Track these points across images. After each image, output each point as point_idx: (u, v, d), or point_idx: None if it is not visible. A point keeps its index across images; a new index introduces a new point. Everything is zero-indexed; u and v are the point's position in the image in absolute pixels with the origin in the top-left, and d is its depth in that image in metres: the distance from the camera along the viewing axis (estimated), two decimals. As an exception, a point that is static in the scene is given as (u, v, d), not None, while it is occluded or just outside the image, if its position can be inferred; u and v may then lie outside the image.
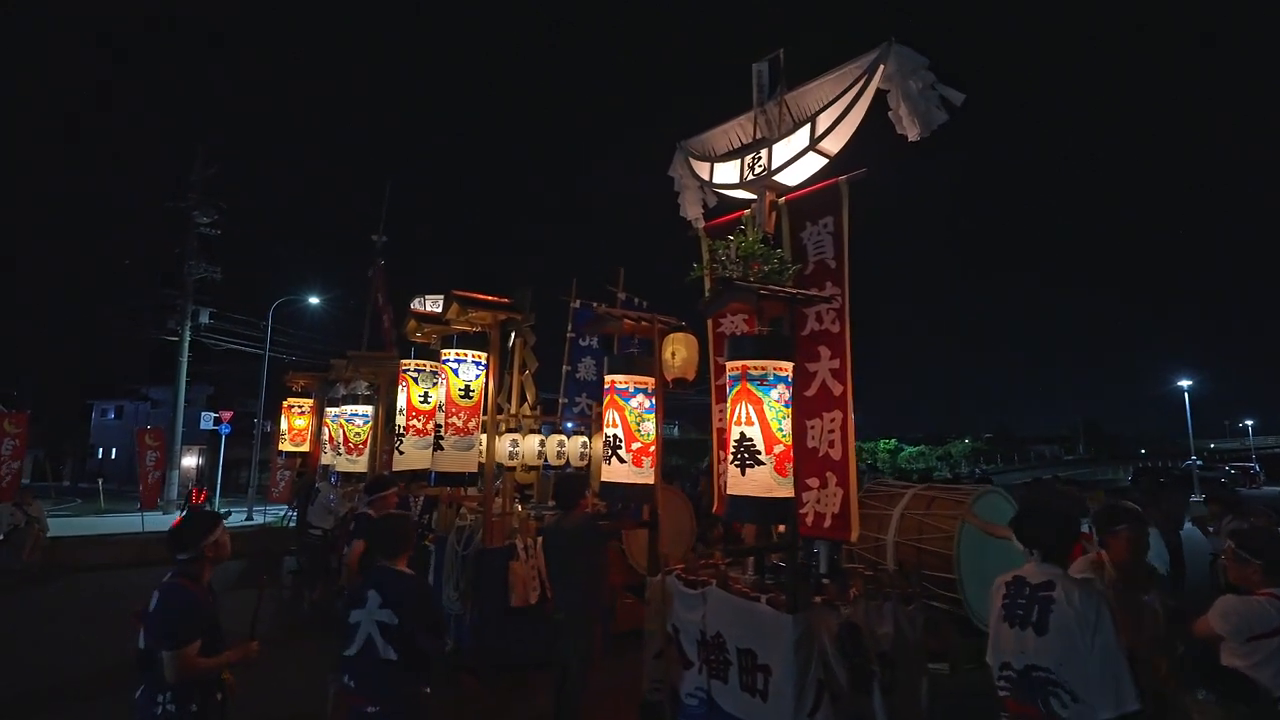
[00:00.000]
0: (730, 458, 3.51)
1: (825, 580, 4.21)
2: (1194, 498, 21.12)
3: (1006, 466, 56.14)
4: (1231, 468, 37.38)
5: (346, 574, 4.21)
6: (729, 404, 3.57)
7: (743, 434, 3.46)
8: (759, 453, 3.42)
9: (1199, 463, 33.04)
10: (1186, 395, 28.11)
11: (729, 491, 3.56)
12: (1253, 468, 37.32)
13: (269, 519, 16.11)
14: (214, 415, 23.12)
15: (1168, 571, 7.14)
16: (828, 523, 3.94)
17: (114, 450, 39.53)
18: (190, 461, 26.86)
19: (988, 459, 56.53)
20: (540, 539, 5.88)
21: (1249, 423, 57.75)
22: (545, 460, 6.32)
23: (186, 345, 20.63)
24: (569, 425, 7.20)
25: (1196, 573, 7.84)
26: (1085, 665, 2.29)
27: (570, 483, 4.64)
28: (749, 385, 3.47)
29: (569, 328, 7.95)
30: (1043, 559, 2.55)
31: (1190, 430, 28.34)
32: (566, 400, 7.82)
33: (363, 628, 2.84)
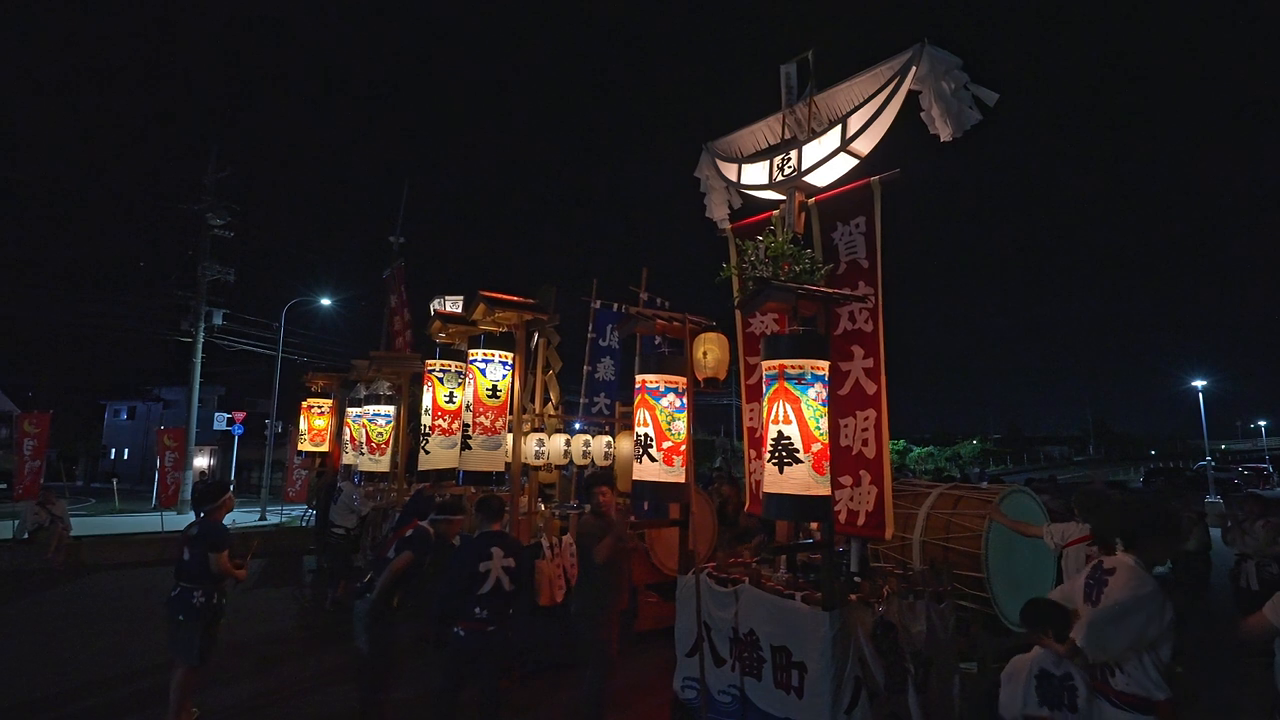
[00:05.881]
0: (768, 456, 3.54)
1: (858, 578, 4.24)
2: (1209, 498, 21.08)
3: (1017, 467, 55.92)
4: (1244, 468, 37.13)
5: (388, 577, 4.31)
6: (765, 403, 3.61)
7: (780, 432, 3.49)
8: (797, 451, 3.45)
9: (1212, 463, 32.82)
10: (1200, 396, 27.95)
11: (766, 489, 3.59)
12: (1265, 468, 37.05)
13: (284, 519, 16.22)
14: (227, 416, 23.33)
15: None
16: (861, 520, 3.97)
17: (126, 451, 39.81)
18: (203, 462, 27.06)
19: (997, 460, 56.32)
20: (564, 538, 5.95)
21: (1262, 423, 57.36)
22: (570, 460, 6.36)
23: (200, 346, 20.76)
24: (576, 425, 7.22)
25: (1218, 575, 7.83)
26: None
27: (587, 482, 4.76)
28: (786, 384, 3.50)
29: (590, 328, 7.99)
30: (1125, 547, 2.72)
31: (1205, 431, 28.13)
32: (587, 400, 7.85)
33: (493, 572, 4.02)
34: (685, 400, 4.54)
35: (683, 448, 4.50)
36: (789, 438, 3.47)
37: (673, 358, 4.63)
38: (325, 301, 23.50)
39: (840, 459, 4.00)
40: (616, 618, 4.41)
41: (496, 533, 4.22)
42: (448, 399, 6.43)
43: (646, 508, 6.53)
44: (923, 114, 3.85)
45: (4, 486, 20.09)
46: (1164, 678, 2.63)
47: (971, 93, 3.71)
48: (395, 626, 4.46)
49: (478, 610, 3.98)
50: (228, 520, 4.81)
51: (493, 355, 5.98)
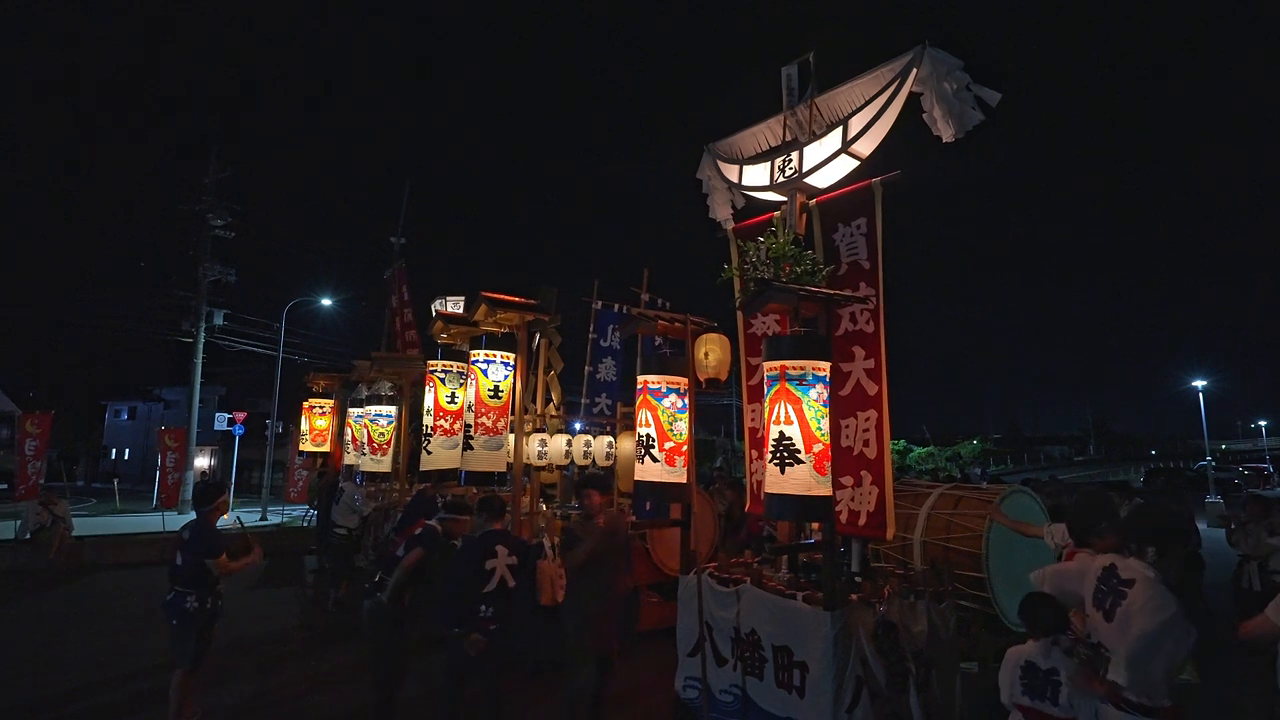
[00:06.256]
0: (769, 457, 3.55)
1: (859, 578, 4.26)
2: (1209, 498, 21.08)
3: (1017, 467, 55.94)
4: (1245, 468, 37.08)
5: (401, 574, 4.36)
6: (767, 403, 3.62)
7: (782, 433, 3.51)
8: (798, 451, 3.46)
9: (1213, 463, 32.83)
10: (1201, 396, 28.02)
11: (768, 490, 3.61)
12: (1266, 468, 37.01)
13: (285, 519, 16.23)
14: (228, 416, 23.32)
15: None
16: (862, 520, 3.98)
17: (127, 451, 39.84)
18: (203, 462, 27.06)
19: (997, 460, 56.31)
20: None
21: (1262, 423, 57.38)
22: (572, 460, 6.38)
23: (201, 347, 20.77)
24: (578, 426, 7.23)
25: (1217, 574, 7.84)
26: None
27: (577, 484, 4.71)
28: (788, 385, 3.52)
29: (591, 328, 8.02)
30: (1159, 554, 2.70)
31: (1205, 431, 28.20)
32: (588, 400, 7.87)
33: (497, 570, 4.01)
34: (687, 401, 4.56)
35: (684, 448, 4.52)
36: (790, 438, 3.48)
37: (674, 358, 4.65)
38: (326, 302, 23.53)
39: (841, 459, 4.01)
40: (609, 621, 4.33)
41: (499, 531, 4.25)
42: (450, 399, 6.44)
43: (648, 508, 6.55)
44: (925, 115, 3.86)
45: (4, 487, 20.13)
46: (1170, 687, 2.63)
47: (973, 93, 3.72)
48: (405, 625, 4.48)
49: (483, 609, 3.99)
50: (227, 522, 4.83)
51: (494, 356, 6.01)
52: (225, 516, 4.80)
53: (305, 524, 13.54)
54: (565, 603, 4.47)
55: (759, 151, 4.80)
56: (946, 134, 3.76)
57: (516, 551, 4.18)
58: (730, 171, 4.81)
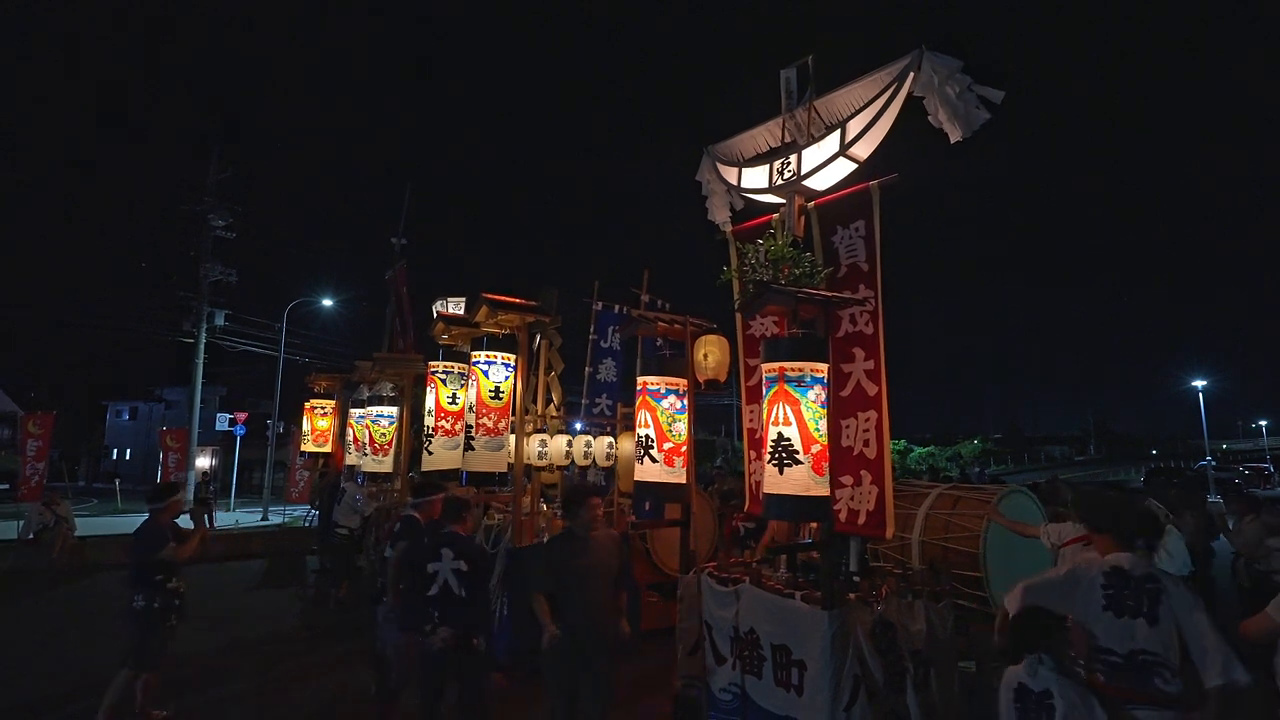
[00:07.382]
0: (768, 457, 3.58)
1: (857, 578, 4.28)
2: (1209, 498, 21.13)
3: (1018, 467, 55.94)
4: (1245, 468, 37.10)
5: (392, 573, 4.30)
6: (765, 405, 3.65)
7: (780, 434, 3.54)
8: (797, 452, 3.49)
9: (1213, 463, 32.91)
10: (1201, 396, 28.12)
11: (766, 490, 3.63)
12: (1266, 468, 37.02)
13: (286, 519, 16.27)
14: (230, 416, 23.37)
15: (1189, 573, 7.17)
16: (862, 519, 4.00)
17: (128, 451, 39.92)
18: (205, 462, 27.12)
19: (998, 460, 56.33)
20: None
21: (1263, 423, 57.41)
22: (572, 461, 6.41)
23: (202, 347, 20.80)
24: (578, 426, 7.25)
25: (1217, 573, 7.85)
26: (1189, 644, 2.47)
27: (572, 492, 4.19)
28: (786, 386, 3.55)
29: (591, 329, 8.06)
30: (1146, 552, 2.69)
31: (1205, 431, 28.28)
32: (588, 401, 7.91)
33: (441, 574, 3.78)
34: (686, 402, 4.59)
35: (684, 449, 4.55)
36: (789, 439, 3.51)
37: (674, 360, 4.68)
38: (327, 302, 23.60)
39: (842, 459, 4.03)
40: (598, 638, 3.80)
41: (452, 534, 4.00)
42: (450, 400, 6.47)
43: (648, 508, 6.58)
44: (930, 118, 3.86)
45: (5, 487, 20.17)
46: None
47: (976, 93, 3.72)
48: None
49: (431, 613, 3.81)
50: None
51: (495, 357, 6.04)
52: (179, 513, 4.80)
53: (306, 524, 13.59)
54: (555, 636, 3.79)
55: (758, 154, 4.82)
56: (954, 135, 3.76)
57: (465, 557, 3.87)
58: (729, 174, 4.83)
